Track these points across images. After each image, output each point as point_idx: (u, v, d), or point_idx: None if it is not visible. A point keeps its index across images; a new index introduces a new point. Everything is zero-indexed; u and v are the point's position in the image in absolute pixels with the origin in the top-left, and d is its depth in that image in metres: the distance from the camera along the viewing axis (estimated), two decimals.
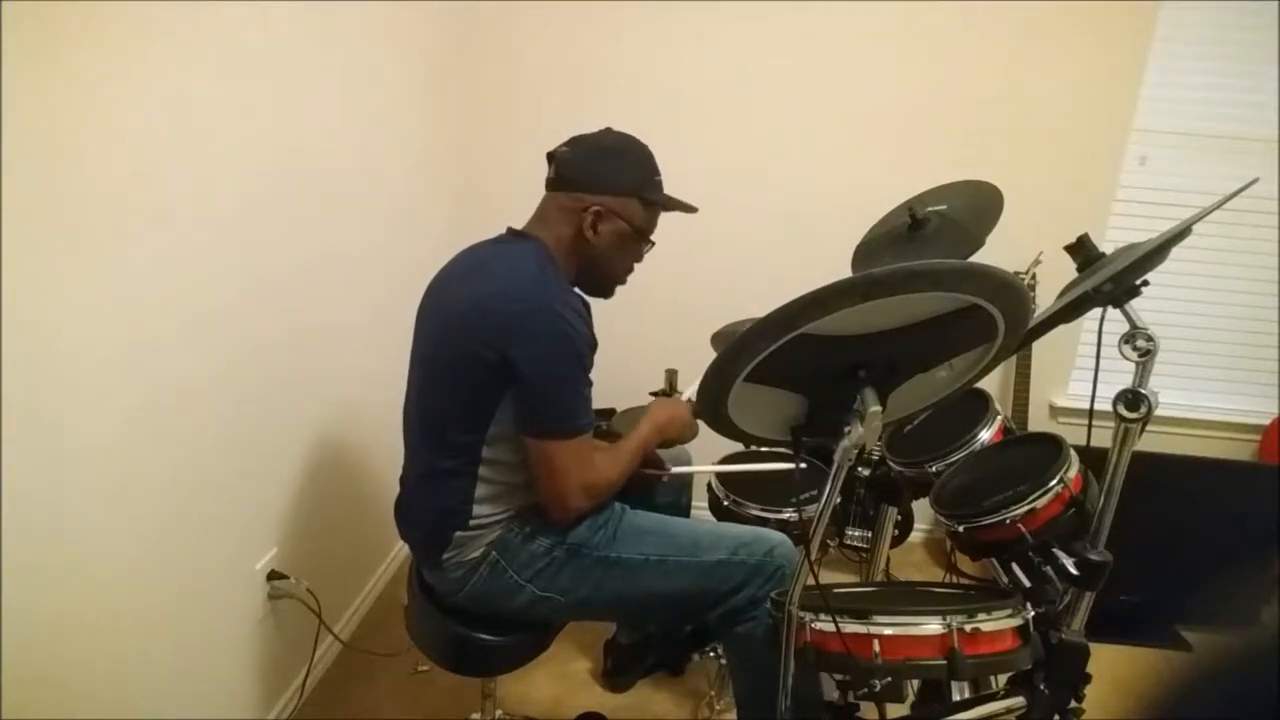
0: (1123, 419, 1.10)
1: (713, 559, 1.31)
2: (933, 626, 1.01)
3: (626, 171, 1.31)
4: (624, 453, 1.32)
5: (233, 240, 1.36)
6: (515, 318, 1.16)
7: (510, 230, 1.35)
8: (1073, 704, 1.12)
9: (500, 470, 1.26)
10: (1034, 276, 2.24)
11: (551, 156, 1.33)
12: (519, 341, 1.16)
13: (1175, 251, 1.14)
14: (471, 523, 1.26)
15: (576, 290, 1.30)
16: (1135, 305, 1.10)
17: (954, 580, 1.56)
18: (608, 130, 1.34)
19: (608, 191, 1.29)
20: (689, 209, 1.37)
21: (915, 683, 1.26)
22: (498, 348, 1.16)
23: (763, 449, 1.82)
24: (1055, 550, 1.16)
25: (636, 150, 1.32)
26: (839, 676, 1.06)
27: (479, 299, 1.21)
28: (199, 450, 1.32)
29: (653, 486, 1.57)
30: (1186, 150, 2.30)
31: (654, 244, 1.37)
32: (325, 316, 1.72)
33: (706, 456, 1.77)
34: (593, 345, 1.23)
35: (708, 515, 1.71)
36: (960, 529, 1.25)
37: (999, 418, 1.50)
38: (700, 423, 1.33)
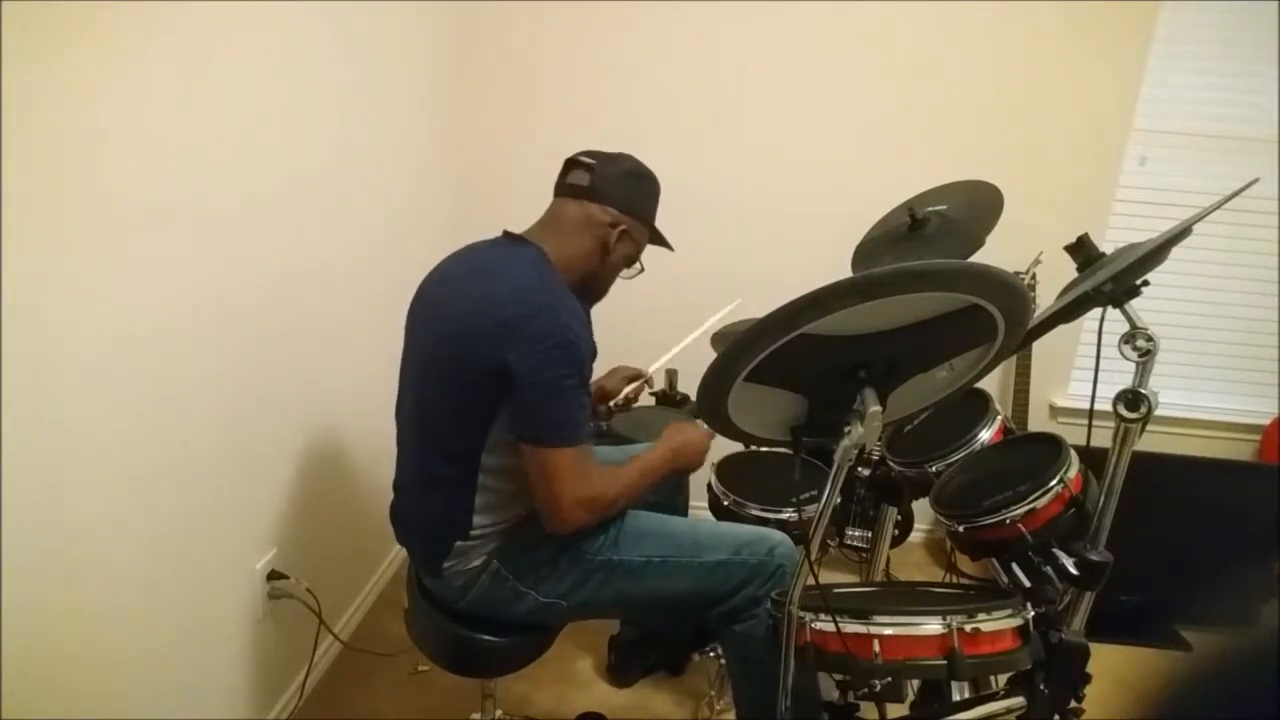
0: (1123, 419, 1.10)
1: (714, 559, 1.31)
2: (933, 626, 1.01)
3: (651, 199, 1.38)
4: (629, 472, 1.29)
5: (233, 241, 1.36)
6: (518, 323, 1.15)
7: (507, 234, 1.33)
8: (1073, 704, 1.12)
9: (500, 477, 1.25)
10: (1034, 276, 2.24)
11: (575, 163, 1.32)
12: (520, 346, 1.14)
13: (1175, 251, 1.14)
14: (472, 532, 1.25)
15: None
16: (1135, 305, 1.10)
17: (954, 580, 1.56)
18: (625, 154, 1.36)
19: (634, 214, 1.34)
20: (669, 246, 1.45)
21: (915, 683, 1.26)
22: (499, 353, 1.15)
23: (762, 449, 1.82)
24: (1055, 550, 1.16)
25: (656, 181, 1.38)
26: (839, 676, 1.06)
27: (482, 305, 1.19)
28: (199, 450, 1.32)
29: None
30: (1186, 150, 2.30)
31: (643, 269, 1.42)
32: (325, 317, 1.72)
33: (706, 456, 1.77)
34: (593, 353, 1.22)
35: (707, 515, 1.71)
36: (960, 529, 1.25)
37: (999, 418, 1.50)
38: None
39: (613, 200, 1.31)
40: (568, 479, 1.19)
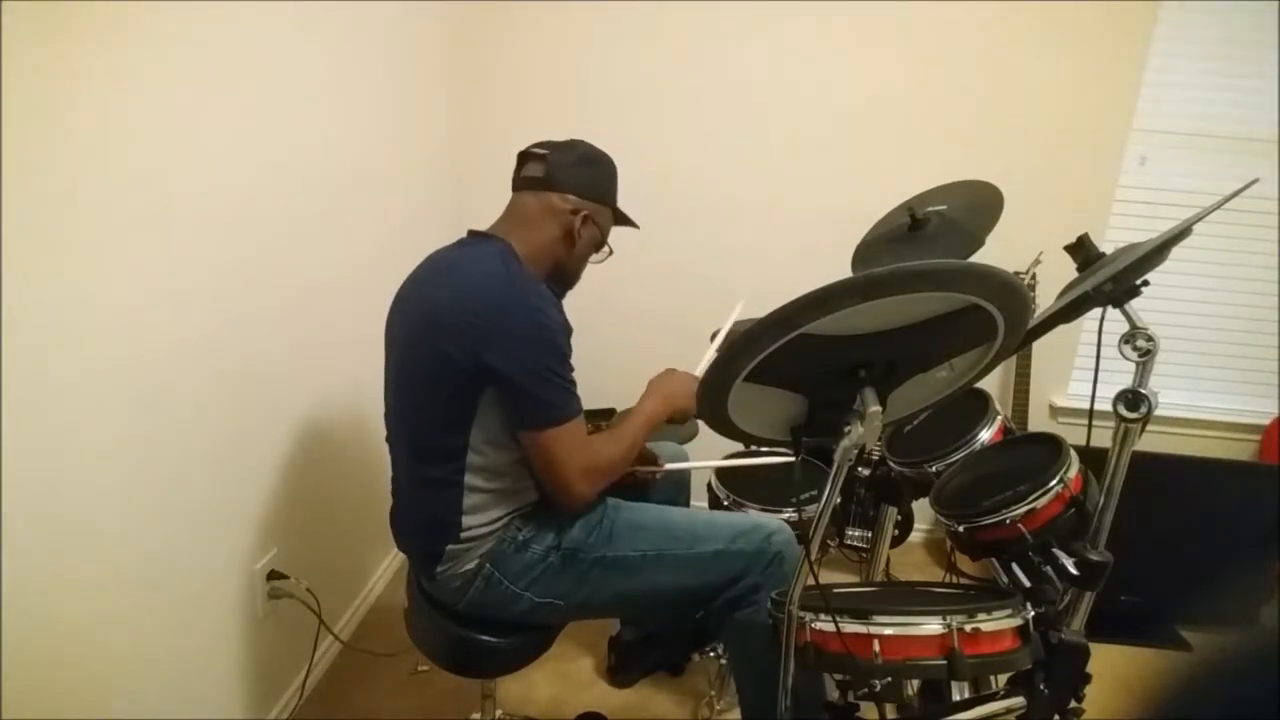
0: (1123, 419, 1.09)
1: (711, 550, 1.31)
2: (933, 626, 1.01)
3: (609, 182, 1.38)
4: (626, 431, 1.30)
5: (235, 244, 1.36)
6: (487, 319, 1.15)
7: (471, 232, 1.34)
8: (1073, 704, 1.12)
9: (487, 476, 1.25)
10: (1034, 276, 2.24)
11: (529, 155, 1.33)
12: (495, 343, 1.15)
13: (1175, 251, 1.14)
14: (462, 535, 1.25)
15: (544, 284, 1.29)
16: (1135, 305, 1.10)
17: (954, 580, 1.56)
18: (578, 140, 1.36)
19: (594, 198, 1.34)
20: (634, 224, 1.44)
21: (915, 683, 1.27)
22: (472, 351, 1.15)
23: (763, 449, 1.82)
24: (1055, 550, 1.16)
25: (611, 163, 1.38)
26: (839, 676, 1.06)
27: (447, 302, 1.20)
28: (200, 450, 1.32)
29: (648, 485, 1.56)
30: (1186, 150, 2.30)
31: (611, 251, 1.42)
32: (326, 319, 1.72)
33: (707, 456, 1.77)
34: (568, 330, 1.22)
35: None
36: (960, 529, 1.25)
37: (999, 418, 1.50)
38: (700, 423, 1.33)
39: (570, 187, 1.31)
40: (567, 455, 1.20)
